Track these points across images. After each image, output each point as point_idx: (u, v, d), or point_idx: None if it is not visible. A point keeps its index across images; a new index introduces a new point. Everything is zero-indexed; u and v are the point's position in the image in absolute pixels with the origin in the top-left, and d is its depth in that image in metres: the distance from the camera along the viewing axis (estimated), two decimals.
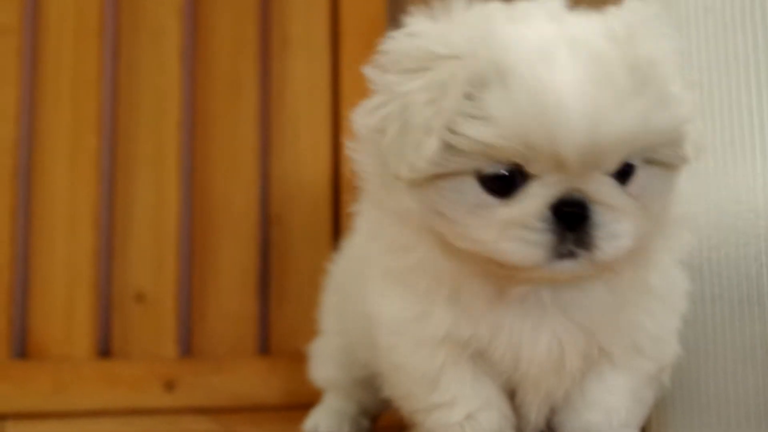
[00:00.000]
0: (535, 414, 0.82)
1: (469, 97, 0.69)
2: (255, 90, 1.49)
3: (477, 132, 0.69)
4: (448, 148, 0.70)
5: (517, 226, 0.70)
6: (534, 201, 0.70)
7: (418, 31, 0.75)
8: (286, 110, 1.51)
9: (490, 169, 0.70)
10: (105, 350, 1.42)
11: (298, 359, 1.22)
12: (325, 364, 1.11)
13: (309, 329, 1.16)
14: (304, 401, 1.19)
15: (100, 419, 1.29)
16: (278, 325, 1.45)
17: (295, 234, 1.47)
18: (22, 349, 1.39)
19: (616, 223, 0.70)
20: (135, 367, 1.39)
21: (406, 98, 0.72)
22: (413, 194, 0.74)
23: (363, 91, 1.54)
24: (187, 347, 1.45)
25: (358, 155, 0.80)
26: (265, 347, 1.46)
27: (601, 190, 0.70)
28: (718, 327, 0.86)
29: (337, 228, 1.46)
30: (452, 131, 0.70)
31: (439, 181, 0.72)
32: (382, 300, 0.81)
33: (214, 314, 1.45)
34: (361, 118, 0.77)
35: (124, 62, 1.46)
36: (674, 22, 0.88)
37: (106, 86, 1.45)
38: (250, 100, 1.49)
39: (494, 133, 0.68)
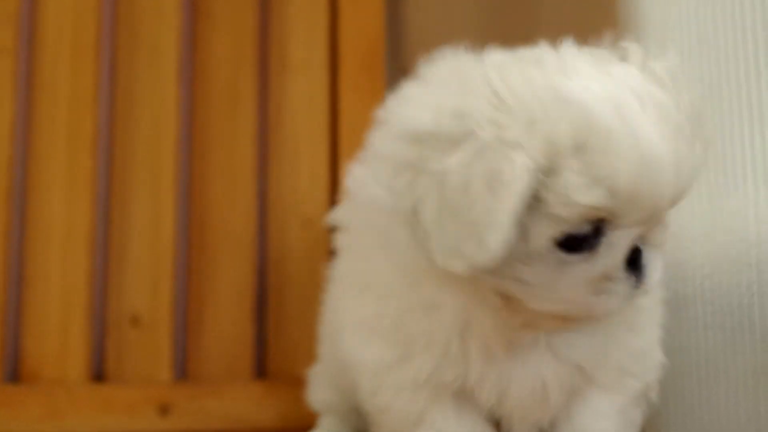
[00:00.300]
0: None
1: (580, 164, 0.64)
2: (253, 110, 1.48)
3: (586, 198, 0.65)
4: (544, 217, 0.66)
5: (603, 281, 0.69)
6: (617, 253, 0.69)
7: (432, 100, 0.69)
8: (284, 131, 1.49)
9: (576, 230, 0.67)
10: (99, 374, 1.40)
11: (295, 383, 1.20)
12: (322, 388, 1.10)
13: (307, 353, 1.15)
14: (301, 425, 1.17)
15: None
16: (275, 348, 1.42)
17: (293, 255, 1.45)
18: (15, 372, 1.37)
19: (658, 260, 0.71)
20: (129, 390, 1.36)
21: (449, 178, 0.64)
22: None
23: (361, 112, 1.53)
24: (183, 371, 1.43)
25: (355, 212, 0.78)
26: (261, 371, 1.43)
27: (659, 234, 0.71)
28: (711, 355, 0.86)
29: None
30: (567, 204, 0.65)
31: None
32: (361, 346, 0.80)
33: (210, 337, 1.43)
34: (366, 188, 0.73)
35: (120, 82, 1.45)
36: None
37: (102, 106, 1.43)
38: (249, 120, 1.48)
39: (604, 194, 0.65)
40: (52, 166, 1.39)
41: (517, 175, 0.63)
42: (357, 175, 0.77)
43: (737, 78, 0.82)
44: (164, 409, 1.37)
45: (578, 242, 0.68)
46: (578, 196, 0.65)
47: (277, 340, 1.42)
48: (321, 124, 1.50)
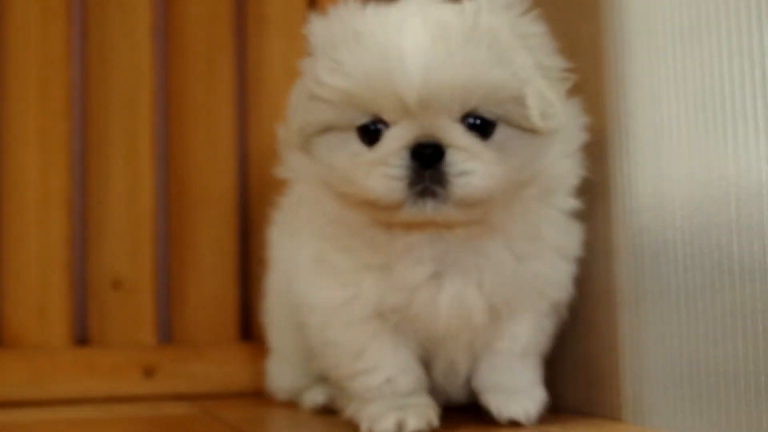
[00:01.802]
0: (463, 368, 0.98)
1: (331, 57, 0.86)
2: (231, 69, 1.46)
3: (335, 81, 0.85)
4: (320, 102, 0.86)
5: (378, 165, 0.84)
6: (392, 143, 0.84)
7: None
8: (263, 90, 1.47)
9: (359, 121, 0.86)
10: (82, 338, 1.40)
11: None
12: (279, 376, 1.22)
13: None
14: None
15: (79, 407, 1.28)
16: (259, 309, 1.42)
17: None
18: None
19: (466, 162, 0.83)
20: (113, 354, 1.36)
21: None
22: (311, 154, 0.90)
23: None
24: (167, 334, 1.43)
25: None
26: (246, 333, 1.43)
27: (453, 134, 0.84)
28: (690, 296, 0.86)
29: None
30: (320, 84, 0.86)
31: (326, 137, 0.88)
32: (311, 289, 0.95)
33: (193, 300, 1.42)
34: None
35: (93, 42, 1.42)
36: None
37: (75, 67, 1.40)
38: (226, 80, 1.45)
39: (348, 82, 0.84)
40: (26, 130, 1.37)
41: (315, 55, 0.89)
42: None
43: (717, 15, 0.81)
44: (149, 372, 1.37)
45: (368, 136, 0.86)
46: (330, 80, 0.85)
47: (261, 302, 1.42)
48: None
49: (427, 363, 0.98)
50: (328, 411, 1.10)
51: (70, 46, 1.39)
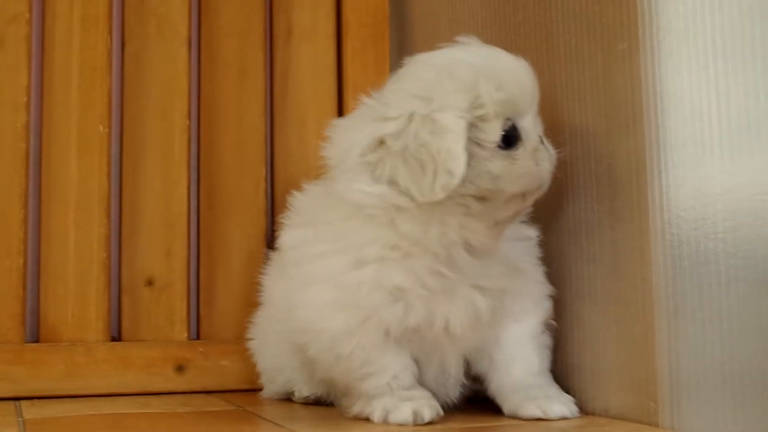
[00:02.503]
0: (454, 368, 1.07)
1: (491, 80, 0.98)
2: (261, 78, 1.52)
3: (500, 96, 0.97)
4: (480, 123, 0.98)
5: (536, 152, 1.00)
6: (532, 132, 1.00)
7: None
8: (291, 98, 1.53)
9: (501, 129, 0.98)
10: (116, 334, 1.45)
11: None
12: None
13: None
14: None
15: (113, 400, 1.31)
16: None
17: None
18: (36, 333, 1.41)
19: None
20: (146, 350, 1.41)
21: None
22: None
23: (367, 80, 1.56)
24: (197, 331, 1.48)
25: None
26: None
27: (540, 124, 1.04)
28: (734, 308, 0.88)
29: None
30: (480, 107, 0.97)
31: (479, 153, 0.99)
32: (325, 314, 1.02)
33: (222, 298, 1.48)
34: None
35: (131, 50, 1.48)
36: (691, 9, 0.93)
37: (114, 74, 1.47)
38: (256, 88, 1.52)
39: (506, 94, 0.98)
40: (66, 133, 1.42)
41: (449, 120, 0.95)
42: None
43: (762, 33, 0.85)
44: (180, 368, 1.41)
45: (509, 138, 0.98)
46: (489, 96, 0.96)
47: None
48: (327, 90, 1.54)
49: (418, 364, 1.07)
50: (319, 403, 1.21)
51: (109, 55, 1.45)
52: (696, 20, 0.93)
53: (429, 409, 1.00)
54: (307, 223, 1.07)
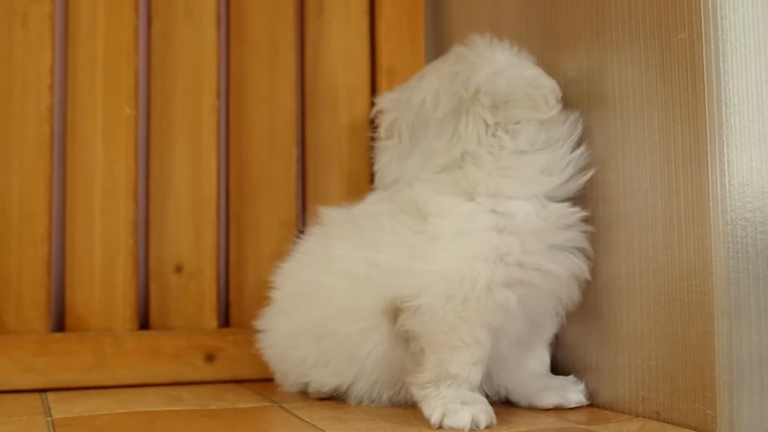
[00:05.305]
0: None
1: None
2: (292, 57, 1.47)
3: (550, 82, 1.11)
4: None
5: None
6: None
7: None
8: (323, 77, 1.48)
9: None
10: (144, 323, 1.41)
11: None
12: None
13: None
14: None
15: (143, 393, 1.28)
16: None
17: (332, 204, 1.45)
18: (62, 322, 1.38)
19: None
20: (175, 339, 1.38)
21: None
22: None
23: (401, 58, 1.50)
24: (227, 319, 1.45)
25: None
26: None
27: None
28: None
29: None
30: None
31: None
32: (472, 263, 1.02)
33: (252, 285, 1.44)
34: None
35: (158, 28, 1.43)
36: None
37: (141, 54, 1.42)
38: (287, 67, 1.46)
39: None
40: (91, 115, 1.38)
41: None
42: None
43: None
44: (210, 357, 1.38)
45: None
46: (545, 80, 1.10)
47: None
48: (360, 69, 1.49)
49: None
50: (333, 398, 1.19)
51: (135, 33, 1.39)
52: (766, 8, 0.88)
53: (485, 415, 1.01)
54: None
